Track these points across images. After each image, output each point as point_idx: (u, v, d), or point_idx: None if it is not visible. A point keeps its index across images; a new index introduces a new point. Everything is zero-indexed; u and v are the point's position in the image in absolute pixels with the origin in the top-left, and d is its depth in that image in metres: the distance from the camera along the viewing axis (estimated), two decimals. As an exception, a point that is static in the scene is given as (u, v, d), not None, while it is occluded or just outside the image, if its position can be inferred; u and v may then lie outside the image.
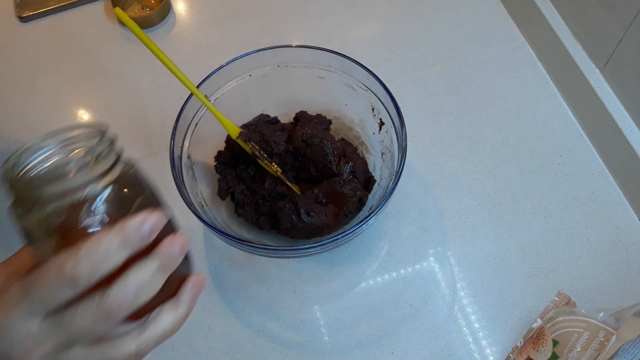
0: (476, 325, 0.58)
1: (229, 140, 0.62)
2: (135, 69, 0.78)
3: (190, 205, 0.51)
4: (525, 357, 0.53)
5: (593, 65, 0.66)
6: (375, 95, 0.58)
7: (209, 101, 0.58)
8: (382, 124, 0.59)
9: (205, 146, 0.61)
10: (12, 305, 0.28)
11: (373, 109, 0.60)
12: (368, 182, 0.61)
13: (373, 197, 0.60)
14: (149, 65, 0.77)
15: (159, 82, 0.76)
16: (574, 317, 0.52)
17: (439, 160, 0.68)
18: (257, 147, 0.58)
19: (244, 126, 0.61)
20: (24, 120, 0.75)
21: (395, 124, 0.55)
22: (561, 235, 0.62)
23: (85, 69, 0.79)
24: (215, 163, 0.62)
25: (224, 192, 0.60)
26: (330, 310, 0.59)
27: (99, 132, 0.31)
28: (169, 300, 0.31)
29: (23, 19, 0.84)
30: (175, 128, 0.54)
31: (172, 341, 0.58)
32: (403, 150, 0.53)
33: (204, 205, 0.57)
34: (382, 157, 0.61)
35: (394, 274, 0.61)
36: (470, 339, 0.57)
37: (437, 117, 0.71)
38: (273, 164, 0.58)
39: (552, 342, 0.52)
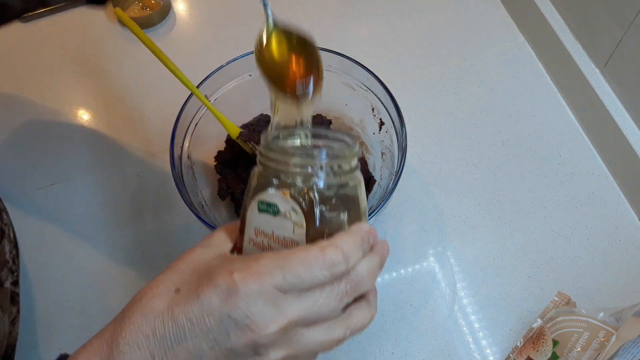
0: (476, 325, 0.58)
1: (229, 140, 0.62)
2: (135, 69, 0.78)
3: (190, 205, 0.51)
4: (525, 357, 0.53)
5: (593, 65, 0.66)
6: (375, 95, 0.58)
7: (209, 101, 0.58)
8: (382, 124, 0.59)
9: (205, 146, 0.61)
10: (264, 273, 0.29)
11: (373, 109, 0.60)
12: (368, 182, 0.61)
13: (373, 197, 0.60)
14: (149, 65, 0.77)
15: (159, 82, 0.76)
16: (574, 317, 0.52)
17: (439, 160, 0.68)
18: (257, 147, 0.58)
19: (244, 126, 0.61)
20: (23, 121, 0.75)
21: (395, 124, 0.55)
22: (561, 235, 0.62)
23: (85, 69, 0.79)
24: (215, 163, 0.62)
25: (224, 192, 0.60)
26: (330, 310, 0.59)
27: (354, 140, 0.36)
28: (360, 300, 0.34)
29: (23, 19, 0.84)
30: (175, 128, 0.54)
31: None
32: (403, 150, 0.53)
33: (204, 205, 0.57)
34: (382, 157, 0.61)
35: (394, 274, 0.61)
36: (470, 339, 0.57)
37: (437, 117, 0.71)
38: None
39: (552, 342, 0.52)
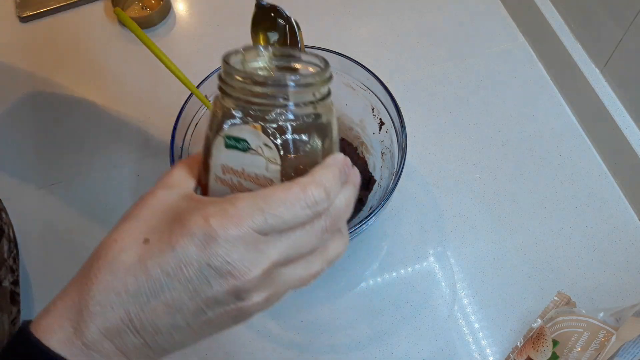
0: (476, 325, 0.58)
1: (229, 140, 0.62)
2: (135, 69, 0.78)
3: (190, 205, 0.50)
4: (525, 357, 0.53)
5: (593, 66, 0.66)
6: (375, 95, 0.58)
7: (209, 101, 0.58)
8: (382, 124, 0.59)
9: (205, 146, 0.61)
10: (243, 217, 0.27)
11: (373, 109, 0.60)
12: (368, 182, 0.61)
13: (373, 197, 0.60)
14: (149, 65, 0.77)
15: (159, 82, 0.76)
16: (574, 317, 0.52)
17: (439, 160, 0.68)
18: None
19: (244, 126, 0.61)
20: (23, 121, 0.75)
21: (395, 124, 0.55)
22: (561, 235, 0.62)
23: (85, 69, 0.79)
24: (215, 163, 0.61)
25: (224, 192, 0.60)
26: (330, 310, 0.59)
27: (325, 63, 0.33)
28: (334, 231, 0.33)
29: (23, 19, 0.84)
30: (175, 128, 0.54)
31: (172, 341, 0.58)
32: (403, 150, 0.53)
33: (204, 205, 0.57)
34: (382, 157, 0.61)
35: (394, 274, 0.61)
36: (470, 339, 0.57)
37: (437, 117, 0.71)
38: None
39: (552, 342, 0.52)
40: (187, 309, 0.28)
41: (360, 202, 0.59)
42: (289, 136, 0.30)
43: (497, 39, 0.78)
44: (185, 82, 0.53)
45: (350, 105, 0.62)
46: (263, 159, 0.29)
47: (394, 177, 0.52)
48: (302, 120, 0.30)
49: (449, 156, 0.68)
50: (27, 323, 0.29)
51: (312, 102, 0.31)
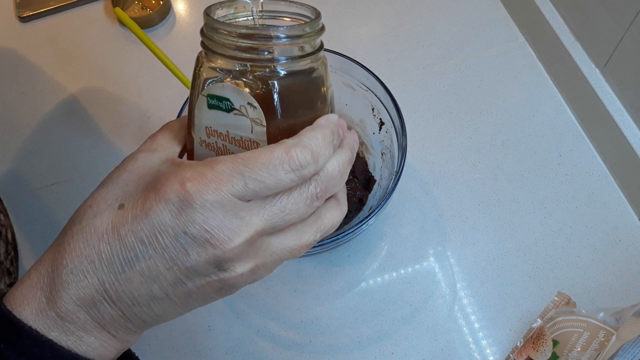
0: (476, 325, 0.58)
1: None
2: (135, 69, 0.78)
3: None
4: (525, 357, 0.53)
5: (593, 65, 0.66)
6: (375, 95, 0.58)
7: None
8: (382, 124, 0.59)
9: (205, 146, 0.61)
10: (222, 181, 0.26)
11: (373, 109, 0.60)
12: (368, 182, 0.61)
13: (373, 197, 0.60)
14: (149, 65, 0.77)
15: (159, 82, 0.76)
16: (574, 317, 0.52)
17: (439, 160, 0.68)
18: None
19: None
20: (23, 121, 0.75)
21: (395, 124, 0.55)
22: (561, 235, 0.62)
23: (85, 69, 0.79)
24: (215, 163, 0.61)
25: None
26: (330, 310, 0.59)
27: (316, 13, 0.30)
28: (329, 199, 0.31)
29: (23, 19, 0.84)
30: (175, 128, 0.54)
31: (172, 341, 0.58)
32: (403, 150, 0.53)
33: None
34: (382, 157, 0.61)
35: (394, 274, 0.61)
36: (470, 339, 0.57)
37: (437, 117, 0.71)
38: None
39: (552, 342, 0.52)
40: (164, 279, 0.27)
41: (360, 202, 0.59)
42: (275, 94, 0.28)
43: (497, 39, 0.78)
44: (185, 82, 0.53)
45: (350, 105, 0.62)
46: (247, 119, 0.28)
47: (394, 177, 0.52)
48: (292, 77, 0.28)
49: (449, 156, 0.68)
50: (2, 295, 0.28)
51: (302, 57, 0.28)
